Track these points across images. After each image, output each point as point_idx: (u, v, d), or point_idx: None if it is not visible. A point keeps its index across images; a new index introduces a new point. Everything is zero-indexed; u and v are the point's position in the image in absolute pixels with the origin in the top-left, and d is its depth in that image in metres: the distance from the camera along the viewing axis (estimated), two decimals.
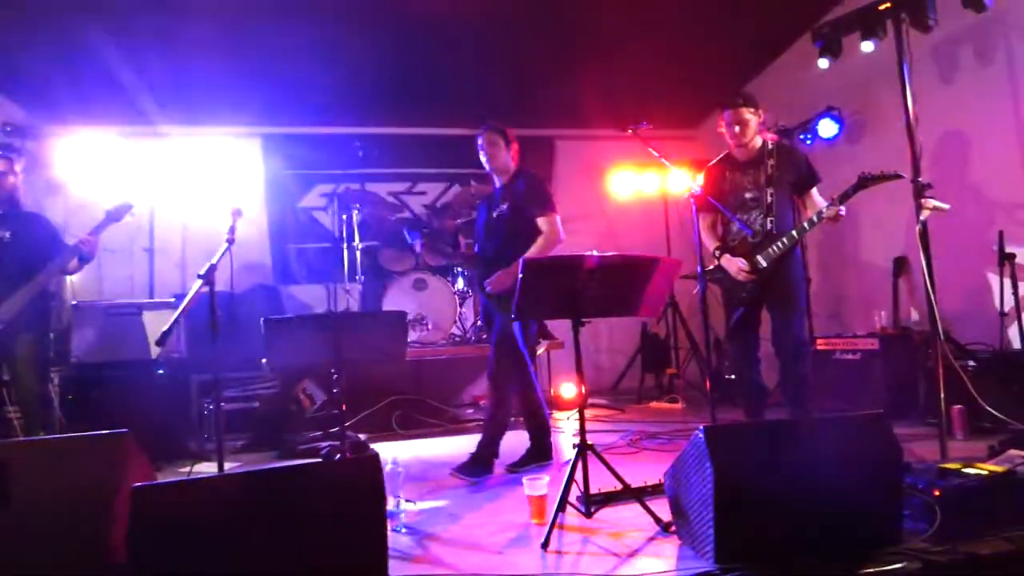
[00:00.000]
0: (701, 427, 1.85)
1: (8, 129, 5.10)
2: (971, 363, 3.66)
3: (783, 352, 3.23)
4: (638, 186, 6.70)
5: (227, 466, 3.37)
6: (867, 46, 3.58)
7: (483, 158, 3.41)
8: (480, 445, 3.21)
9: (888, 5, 3.39)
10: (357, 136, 6.11)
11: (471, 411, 5.53)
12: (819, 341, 4.72)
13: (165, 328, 2.13)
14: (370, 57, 5.34)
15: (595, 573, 1.80)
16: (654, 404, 5.66)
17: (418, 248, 5.21)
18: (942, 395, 3.02)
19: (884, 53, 3.57)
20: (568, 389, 5.52)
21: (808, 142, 5.17)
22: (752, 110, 3.36)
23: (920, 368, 4.05)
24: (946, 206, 3.26)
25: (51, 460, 1.73)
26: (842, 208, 3.14)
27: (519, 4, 4.77)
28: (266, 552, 1.52)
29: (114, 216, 3.49)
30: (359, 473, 1.64)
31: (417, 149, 6.64)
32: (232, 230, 2.58)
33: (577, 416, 2.64)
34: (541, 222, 3.26)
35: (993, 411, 3.12)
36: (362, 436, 4.44)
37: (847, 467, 1.85)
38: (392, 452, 3.94)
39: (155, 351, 4.43)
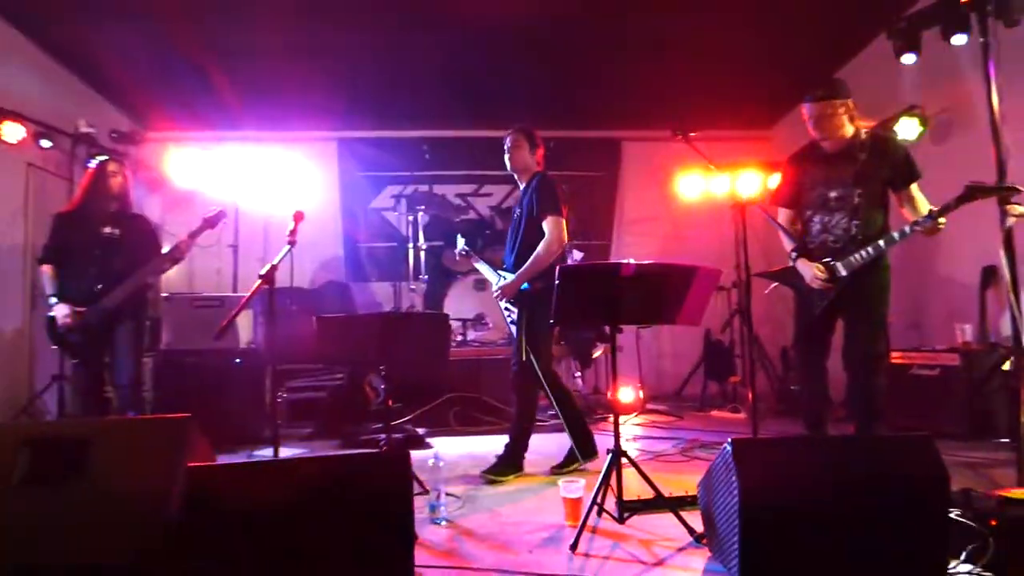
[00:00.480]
0: (729, 439, 1.83)
1: (114, 136, 5.61)
2: None
3: (854, 366, 2.98)
4: (707, 188, 6.53)
5: (287, 452, 3.61)
6: (959, 39, 3.32)
7: (505, 158, 3.45)
8: (506, 446, 3.29)
9: None
10: (424, 139, 6.31)
11: None
12: (895, 354, 4.46)
13: (223, 324, 2.29)
14: (436, 63, 5.50)
15: None
16: (715, 412, 5.52)
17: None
18: (1022, 417, 2.82)
19: (972, 47, 3.30)
20: (625, 393, 5.47)
21: None
22: (840, 101, 2.99)
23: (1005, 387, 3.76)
24: None
25: (123, 439, 1.93)
26: (942, 221, 2.82)
27: (586, 6, 4.76)
28: (298, 535, 1.65)
29: (211, 222, 3.70)
30: (389, 469, 1.74)
31: (484, 151, 6.77)
32: (293, 232, 2.75)
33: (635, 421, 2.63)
34: (546, 223, 3.19)
35: None
36: (420, 431, 4.61)
37: (886, 489, 1.77)
38: (447, 447, 4.10)
39: (244, 340, 4.74)
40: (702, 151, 2.83)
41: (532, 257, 3.15)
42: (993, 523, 1.85)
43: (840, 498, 1.75)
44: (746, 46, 5.30)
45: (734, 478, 1.75)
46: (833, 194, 3.02)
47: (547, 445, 3.62)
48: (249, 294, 2.54)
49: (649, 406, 5.74)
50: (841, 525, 1.73)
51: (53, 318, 3.46)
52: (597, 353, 5.56)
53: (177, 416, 1.95)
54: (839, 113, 2.96)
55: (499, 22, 4.89)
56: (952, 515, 1.96)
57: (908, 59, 3.67)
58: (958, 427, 3.88)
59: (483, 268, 3.66)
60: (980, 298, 4.32)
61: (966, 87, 4.19)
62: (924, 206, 2.95)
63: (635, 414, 5.38)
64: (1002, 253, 3.08)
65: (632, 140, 7.12)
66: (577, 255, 5.91)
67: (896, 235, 2.92)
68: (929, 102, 4.68)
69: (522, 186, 3.47)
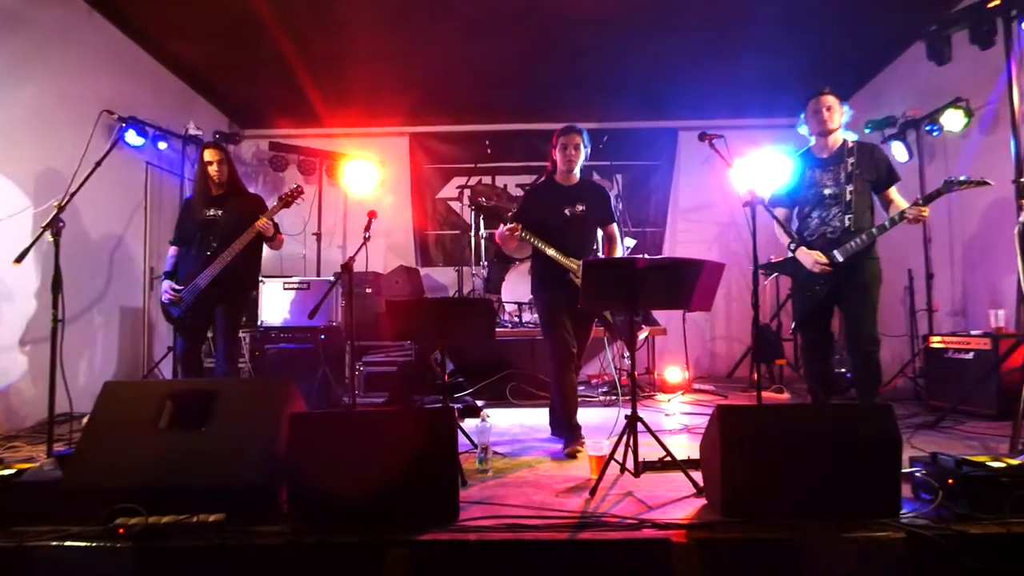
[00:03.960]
0: (716, 405, 2.21)
1: (217, 136, 6.37)
2: None
3: (853, 342, 3.36)
4: (766, 175, 6.66)
5: None
6: (977, 42, 3.49)
7: (563, 156, 3.57)
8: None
9: (997, 3, 3.32)
10: (487, 133, 6.77)
11: (581, 388, 5.99)
12: (931, 339, 4.61)
13: (315, 307, 2.84)
14: (498, 63, 5.91)
15: (620, 515, 2.24)
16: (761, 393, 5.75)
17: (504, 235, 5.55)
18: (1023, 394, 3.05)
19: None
20: (672, 373, 5.80)
21: (935, 134, 4.97)
22: (836, 99, 3.43)
23: None
24: None
25: (241, 392, 2.53)
26: (925, 211, 3.19)
27: (635, 4, 4.98)
28: (368, 466, 2.18)
29: (286, 200, 3.97)
30: (435, 420, 2.24)
31: (543, 143, 7.14)
32: (367, 228, 3.27)
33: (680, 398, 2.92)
34: (615, 228, 3.71)
35: None
36: (479, 402, 5.13)
37: (849, 446, 2.12)
38: (503, 418, 4.60)
39: (328, 318, 5.37)
40: (723, 153, 3.14)
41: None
42: (951, 482, 2.15)
43: (807, 450, 2.12)
44: (801, 39, 5.43)
45: (717, 434, 2.14)
46: (828, 192, 3.40)
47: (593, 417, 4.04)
48: (334, 280, 3.06)
49: (697, 386, 6.05)
50: (807, 471, 2.10)
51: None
52: (643, 335, 5.90)
53: (282, 376, 2.52)
54: (838, 107, 3.41)
55: (560, 19, 5.22)
56: (917, 474, 2.28)
57: (931, 57, 3.87)
58: (989, 408, 4.03)
59: (553, 253, 3.60)
60: (1018, 285, 4.39)
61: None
62: (903, 204, 3.32)
63: (681, 392, 5.71)
64: (1016, 246, 3.25)
65: (688, 129, 7.31)
66: (630, 242, 6.26)
67: (887, 222, 3.29)
68: (977, 94, 4.71)
69: (567, 184, 3.66)
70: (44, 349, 4.31)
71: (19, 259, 2.85)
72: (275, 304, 5.39)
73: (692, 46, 5.66)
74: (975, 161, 4.87)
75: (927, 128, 5.00)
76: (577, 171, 3.66)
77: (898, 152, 5.37)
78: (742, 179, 6.02)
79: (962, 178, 3.20)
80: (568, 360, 3.50)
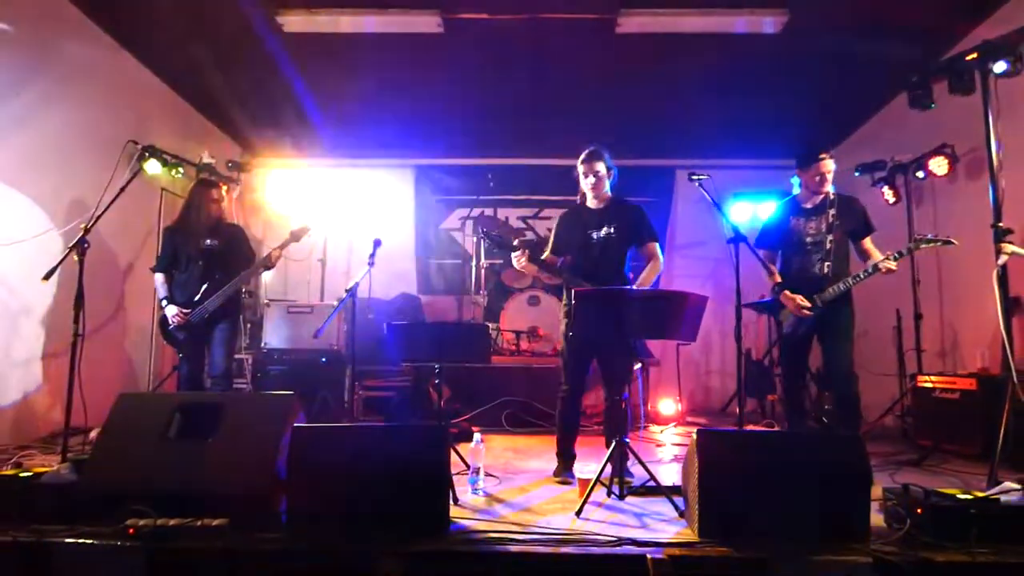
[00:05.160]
0: (695, 430, 2.34)
1: (229, 164, 6.60)
2: None
3: (835, 379, 3.58)
4: (757, 214, 6.87)
5: None
6: (1000, 66, 3.55)
7: (585, 183, 3.53)
8: None
9: (975, 56, 3.53)
10: (489, 167, 7.00)
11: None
12: (919, 378, 4.72)
13: (319, 327, 2.99)
14: (501, 100, 6.17)
15: (600, 533, 2.35)
16: (749, 426, 5.84)
17: (522, 261, 5.67)
18: (1001, 432, 3.17)
19: (1004, 87, 3.54)
20: (666, 405, 5.90)
21: (923, 177, 5.16)
22: (833, 160, 3.72)
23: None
24: None
25: (247, 406, 2.66)
26: (893, 265, 3.51)
27: (633, 50, 5.23)
28: (364, 476, 2.30)
29: (295, 236, 4.15)
30: (429, 436, 2.37)
31: (543, 178, 7.38)
32: (372, 255, 3.44)
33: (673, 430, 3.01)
34: (655, 247, 3.55)
35: None
36: (475, 429, 5.22)
37: (820, 473, 2.23)
38: (498, 443, 4.70)
39: (330, 342, 5.51)
40: (710, 193, 3.32)
41: (650, 275, 3.45)
42: (919, 511, 2.26)
43: (781, 475, 2.23)
44: (789, 87, 5.68)
45: (696, 458, 2.26)
46: (809, 239, 3.67)
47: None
48: (339, 305, 3.21)
49: (690, 419, 6.14)
50: (780, 495, 2.21)
51: (165, 318, 4.03)
52: (636, 367, 6.01)
53: (285, 393, 2.66)
54: (834, 170, 3.70)
55: (561, 63, 5.49)
56: (889, 504, 2.39)
57: (913, 106, 4.16)
58: (973, 447, 4.11)
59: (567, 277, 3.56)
60: (1005, 327, 4.51)
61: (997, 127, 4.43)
62: (877, 255, 3.60)
63: (674, 424, 5.80)
64: (996, 289, 3.39)
65: (685, 168, 7.50)
66: None
67: (862, 273, 3.55)
68: (963, 140, 4.90)
69: (596, 207, 3.59)
70: (59, 363, 4.51)
71: (47, 277, 3.02)
72: (279, 327, 5.54)
73: (690, 91, 5.91)
74: (960, 205, 5.05)
75: (916, 173, 5.18)
76: (605, 193, 3.58)
77: (887, 196, 5.56)
78: (730, 217, 6.21)
79: (928, 236, 3.60)
80: (573, 390, 3.48)
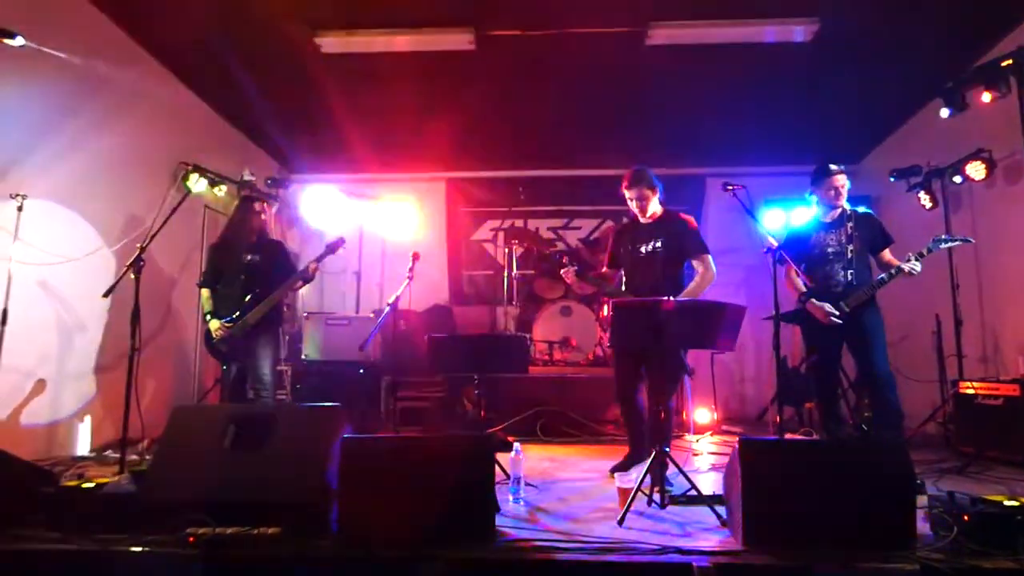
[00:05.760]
0: (739, 439, 2.36)
1: (269, 181, 6.80)
2: None
3: (871, 383, 3.61)
4: (789, 221, 6.82)
5: None
6: (985, 96, 3.70)
7: (632, 207, 3.78)
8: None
9: (1010, 62, 3.51)
10: (520, 179, 7.09)
11: (611, 427, 6.06)
12: (961, 384, 4.65)
13: (365, 340, 3.09)
14: (532, 114, 6.26)
15: (644, 541, 2.38)
16: (788, 435, 5.78)
17: (570, 277, 5.85)
18: None
19: None
20: (701, 414, 5.88)
21: (960, 182, 5.10)
22: (846, 177, 3.87)
23: None
24: None
25: (297, 417, 2.76)
26: (916, 266, 3.54)
27: (662, 61, 5.27)
28: (413, 485, 2.37)
29: (331, 248, 4.24)
30: (476, 445, 2.44)
31: (573, 188, 7.45)
32: (411, 269, 3.53)
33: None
34: (704, 261, 3.71)
35: None
36: (510, 438, 5.28)
37: (865, 481, 2.24)
38: (533, 452, 4.74)
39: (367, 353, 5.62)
40: (744, 203, 3.36)
41: (696, 287, 3.65)
42: (966, 518, 2.25)
43: (824, 483, 2.25)
44: (817, 95, 5.66)
45: (738, 467, 2.29)
46: (831, 250, 3.77)
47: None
48: (382, 318, 3.31)
49: (725, 427, 6.11)
50: (824, 503, 2.22)
51: (209, 332, 4.17)
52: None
53: (334, 404, 2.76)
54: (847, 184, 3.86)
55: (591, 76, 5.55)
56: (934, 511, 2.38)
57: (944, 113, 4.31)
58: (1018, 454, 4.04)
59: (610, 290, 3.97)
60: None
61: None
62: (897, 263, 3.66)
63: (710, 433, 5.78)
64: None
65: (716, 177, 7.51)
66: None
67: (884, 276, 3.64)
68: (1001, 144, 4.83)
69: (645, 222, 3.79)
70: (111, 377, 4.70)
71: (107, 294, 3.18)
72: (317, 339, 5.68)
73: (720, 100, 5.92)
74: (999, 210, 4.97)
75: (954, 179, 5.12)
76: (653, 210, 3.77)
77: (923, 201, 5.49)
78: (765, 226, 6.18)
79: (944, 236, 3.69)
80: (622, 396, 3.71)
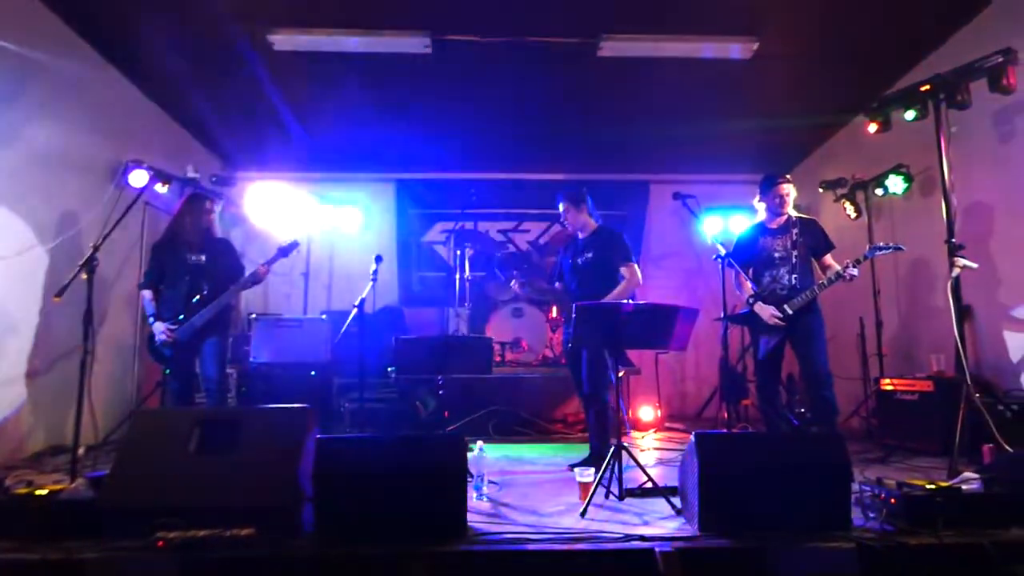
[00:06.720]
0: (694, 432, 2.54)
1: (213, 179, 6.60)
2: (1011, 409, 3.95)
3: (808, 380, 3.90)
4: (727, 228, 7.17)
5: None
6: (909, 114, 4.07)
7: (564, 222, 4.27)
8: None
9: (928, 87, 3.86)
10: (471, 181, 7.16)
11: (560, 426, 6.23)
12: (883, 381, 5.05)
13: (337, 338, 3.09)
14: (482, 116, 6.34)
15: (607, 531, 2.52)
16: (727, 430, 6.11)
17: (516, 288, 5.97)
18: (958, 428, 3.50)
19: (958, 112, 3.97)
20: (646, 412, 6.13)
21: (882, 194, 5.53)
22: (792, 185, 4.12)
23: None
24: (974, 265, 3.71)
25: (263, 420, 2.76)
26: (855, 271, 3.81)
27: (612, 72, 5.48)
28: (386, 485, 2.43)
29: (284, 252, 4.23)
30: (448, 445, 2.52)
31: (523, 192, 7.58)
32: (375, 272, 3.56)
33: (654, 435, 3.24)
34: (625, 269, 4.00)
35: (1007, 447, 3.44)
36: (466, 438, 5.35)
37: (806, 469, 2.46)
38: (488, 451, 4.82)
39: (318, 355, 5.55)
40: (695, 210, 3.58)
41: (618, 292, 3.89)
42: (893, 501, 2.50)
43: (771, 473, 2.45)
44: (753, 109, 6.02)
45: (695, 459, 2.46)
46: (777, 255, 4.04)
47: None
48: (349, 319, 3.33)
49: (668, 424, 6.39)
50: (771, 490, 2.43)
51: (152, 335, 4.05)
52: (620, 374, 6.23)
53: (303, 406, 2.77)
54: (793, 192, 4.12)
55: (543, 84, 5.70)
56: (865, 496, 2.63)
57: (872, 128, 4.59)
58: (933, 444, 4.43)
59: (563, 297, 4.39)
60: (958, 333, 4.88)
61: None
62: (839, 267, 3.93)
63: (654, 430, 6.03)
64: (950, 298, 3.72)
65: (659, 183, 7.82)
66: None
67: (825, 281, 3.90)
68: (918, 160, 5.27)
69: (582, 236, 4.20)
70: (43, 381, 4.48)
71: (59, 294, 3.06)
72: (266, 341, 5.57)
73: (663, 110, 6.18)
74: (916, 221, 5.42)
75: (876, 191, 5.55)
76: (584, 223, 4.18)
77: (848, 211, 5.92)
78: (710, 233, 6.51)
79: (880, 244, 3.98)
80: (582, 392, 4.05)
